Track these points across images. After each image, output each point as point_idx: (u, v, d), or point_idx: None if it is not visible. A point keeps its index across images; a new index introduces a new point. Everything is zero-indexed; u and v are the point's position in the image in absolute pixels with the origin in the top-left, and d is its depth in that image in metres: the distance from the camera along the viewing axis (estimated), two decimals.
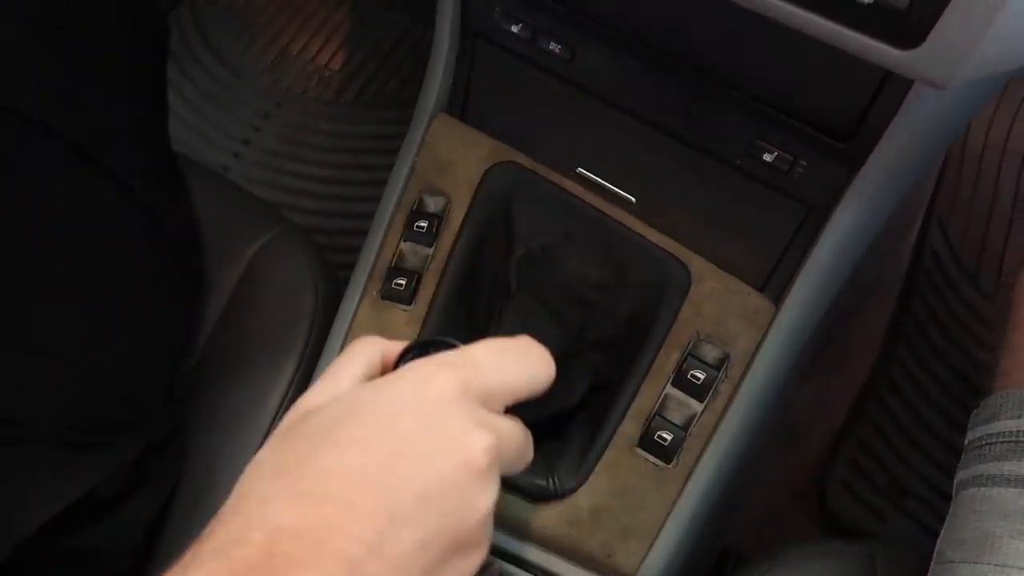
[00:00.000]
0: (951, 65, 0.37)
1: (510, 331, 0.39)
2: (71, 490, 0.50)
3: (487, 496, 0.32)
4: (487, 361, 0.34)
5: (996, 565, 0.44)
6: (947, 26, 0.35)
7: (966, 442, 0.51)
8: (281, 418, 0.60)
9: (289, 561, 0.27)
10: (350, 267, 0.59)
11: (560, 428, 0.52)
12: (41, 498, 0.48)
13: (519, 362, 0.35)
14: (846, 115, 0.46)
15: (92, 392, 0.52)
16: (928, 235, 0.95)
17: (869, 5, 0.37)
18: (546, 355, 0.36)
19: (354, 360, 0.36)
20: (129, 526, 0.57)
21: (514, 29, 0.54)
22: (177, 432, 0.60)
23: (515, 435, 0.34)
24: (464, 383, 0.32)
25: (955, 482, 0.50)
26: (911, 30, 0.36)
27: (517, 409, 0.35)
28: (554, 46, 0.53)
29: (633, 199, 0.54)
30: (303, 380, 0.61)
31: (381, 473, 0.29)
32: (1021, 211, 0.98)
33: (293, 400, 0.60)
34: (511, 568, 0.50)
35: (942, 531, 0.48)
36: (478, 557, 0.32)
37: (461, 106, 0.58)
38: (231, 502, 0.30)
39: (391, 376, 0.33)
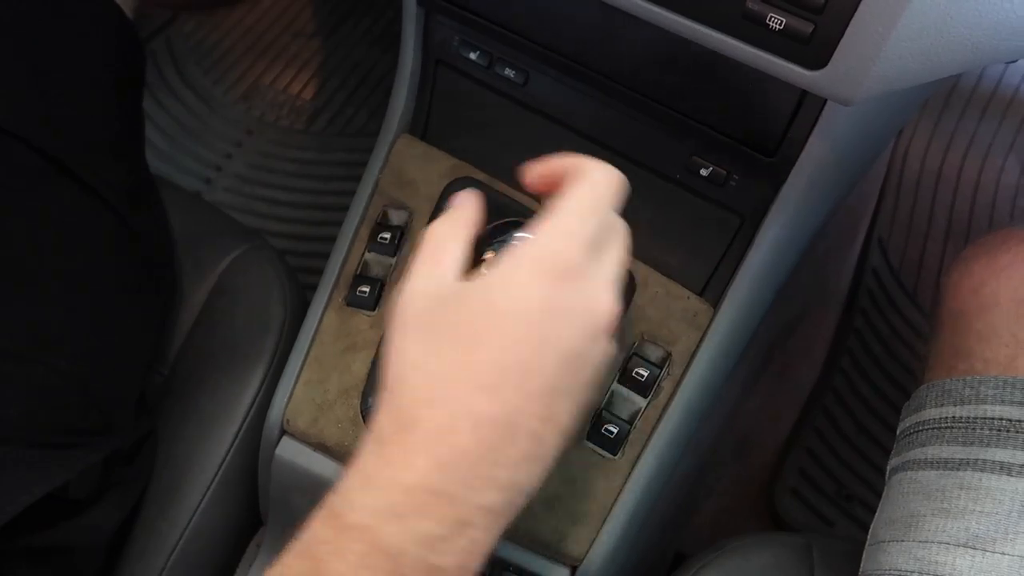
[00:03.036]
0: (854, 83, 0.41)
1: None
2: (36, 489, 0.51)
3: (609, 344, 0.37)
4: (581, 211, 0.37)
5: (920, 541, 0.47)
6: (847, 49, 0.40)
7: (898, 432, 0.54)
8: (248, 426, 0.63)
9: (492, 447, 0.32)
10: None
11: None
12: (6, 495, 0.50)
13: (606, 187, 0.39)
14: (771, 132, 0.50)
15: (62, 397, 0.54)
16: (869, 254, 1.00)
17: (780, 31, 0.41)
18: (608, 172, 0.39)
19: (453, 248, 0.38)
20: (97, 528, 0.58)
21: (472, 56, 0.57)
22: (146, 439, 0.62)
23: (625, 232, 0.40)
24: (581, 247, 0.35)
25: (888, 469, 0.54)
26: (817, 53, 0.41)
27: None
28: (509, 72, 0.57)
29: None
30: (270, 390, 0.63)
31: (538, 363, 0.34)
32: (956, 232, 1.04)
33: (260, 409, 0.63)
34: None
35: (876, 514, 0.52)
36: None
37: (423, 127, 0.62)
38: (407, 395, 0.33)
39: (506, 271, 0.35)
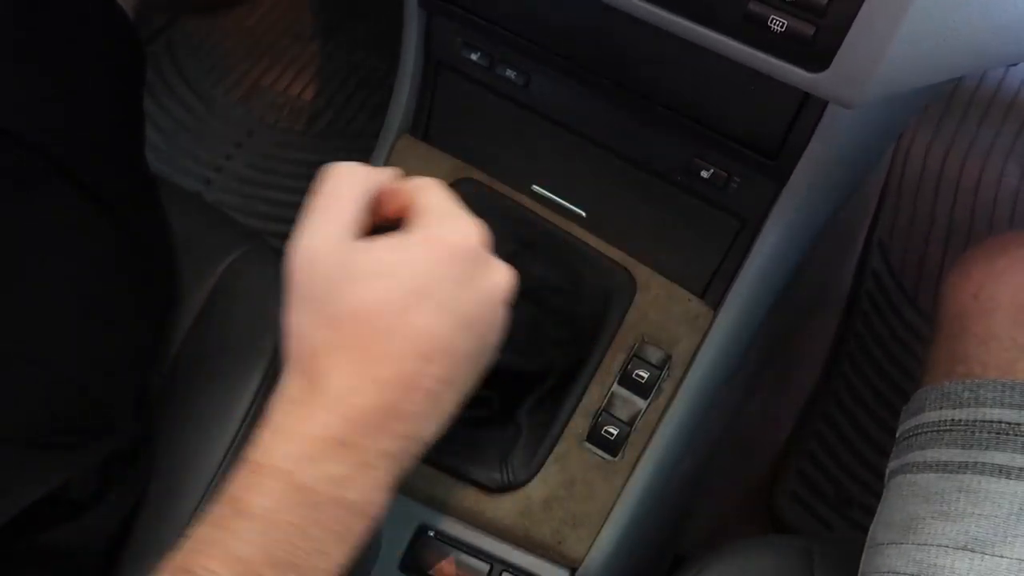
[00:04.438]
0: (855, 86, 0.41)
1: None
2: (35, 490, 0.51)
3: (506, 313, 0.40)
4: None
5: (918, 544, 0.47)
6: (849, 51, 0.40)
7: (897, 434, 0.54)
8: (248, 428, 0.63)
9: (393, 405, 0.37)
10: None
11: (514, 423, 0.55)
12: (5, 496, 0.50)
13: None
14: (772, 134, 0.50)
15: (60, 397, 0.53)
16: (869, 258, 1.00)
17: (782, 33, 0.41)
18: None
19: (350, 206, 0.41)
20: (97, 529, 0.58)
21: (474, 57, 0.57)
22: (146, 440, 0.62)
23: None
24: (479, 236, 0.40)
25: (887, 471, 0.54)
26: (819, 55, 0.41)
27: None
28: (511, 73, 0.57)
29: (584, 213, 0.58)
30: (270, 391, 0.63)
31: (437, 328, 0.37)
32: (956, 235, 1.04)
33: (260, 409, 0.62)
34: (466, 557, 0.53)
35: (874, 517, 0.52)
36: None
37: (424, 128, 0.62)
38: (315, 364, 0.37)
39: (405, 243, 0.39)
